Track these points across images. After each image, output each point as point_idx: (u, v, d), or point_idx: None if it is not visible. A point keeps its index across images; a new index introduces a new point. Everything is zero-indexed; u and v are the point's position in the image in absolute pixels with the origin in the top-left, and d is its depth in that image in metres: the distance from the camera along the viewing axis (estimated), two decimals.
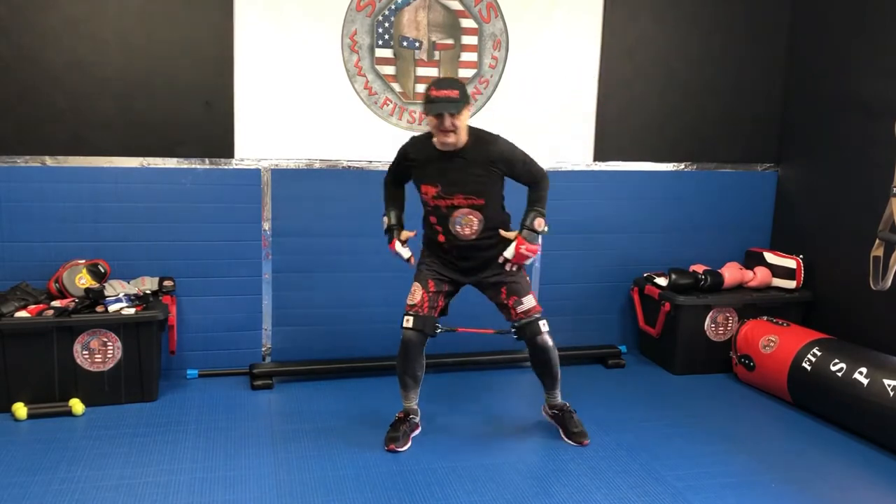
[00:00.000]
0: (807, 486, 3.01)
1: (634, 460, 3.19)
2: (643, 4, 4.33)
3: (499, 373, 4.22)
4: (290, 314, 4.09)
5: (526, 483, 2.98)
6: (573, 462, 3.17)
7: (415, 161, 3.20)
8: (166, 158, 3.84)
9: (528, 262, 3.26)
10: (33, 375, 3.46)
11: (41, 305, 3.50)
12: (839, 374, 3.50)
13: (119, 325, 3.53)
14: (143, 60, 3.75)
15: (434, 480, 2.97)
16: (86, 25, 3.66)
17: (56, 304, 3.52)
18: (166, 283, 3.82)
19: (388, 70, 4.05)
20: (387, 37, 4.01)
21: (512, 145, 3.19)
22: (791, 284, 4.37)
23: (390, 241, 3.34)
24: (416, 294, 3.24)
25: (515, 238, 3.20)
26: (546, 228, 3.24)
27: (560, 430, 3.40)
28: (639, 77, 4.40)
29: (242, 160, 3.92)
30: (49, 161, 3.71)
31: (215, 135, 3.88)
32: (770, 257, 4.50)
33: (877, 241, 3.45)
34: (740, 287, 4.42)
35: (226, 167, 3.91)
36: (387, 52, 4.03)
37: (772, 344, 3.92)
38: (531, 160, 3.22)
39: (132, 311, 3.54)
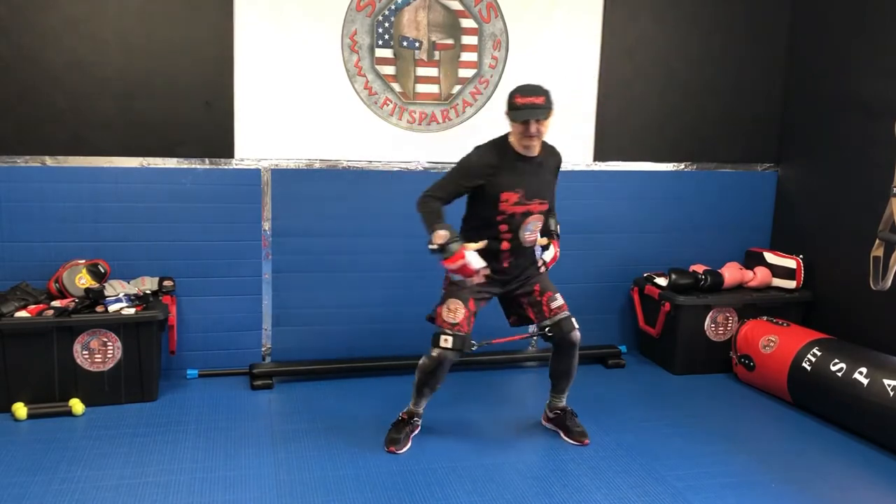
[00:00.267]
0: (807, 486, 3.01)
1: (634, 460, 3.20)
2: (643, 4, 4.33)
3: (499, 373, 4.23)
4: (290, 314, 4.09)
5: (526, 483, 2.98)
6: (573, 462, 3.17)
7: (497, 169, 3.09)
8: (166, 158, 3.84)
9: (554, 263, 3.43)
10: (33, 375, 3.46)
11: (41, 305, 3.50)
12: (839, 374, 3.50)
13: (119, 325, 3.53)
14: (143, 60, 3.75)
15: (434, 480, 2.97)
16: (86, 25, 3.66)
17: (56, 304, 3.52)
18: (166, 283, 3.82)
19: (388, 70, 4.05)
20: (387, 37, 4.01)
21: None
22: (791, 284, 4.37)
23: (452, 255, 3.00)
24: (459, 313, 3.15)
25: (551, 243, 3.37)
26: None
27: (560, 432, 3.40)
28: (639, 77, 4.40)
29: (242, 160, 3.92)
30: (49, 161, 3.71)
31: (215, 135, 3.88)
32: (770, 257, 4.50)
33: (877, 241, 3.45)
34: (740, 287, 4.42)
35: (226, 167, 3.91)
36: (387, 52, 4.03)
37: (772, 344, 3.92)
38: None
39: (132, 311, 3.54)
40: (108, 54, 3.71)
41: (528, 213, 3.16)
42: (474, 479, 2.99)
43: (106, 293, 3.60)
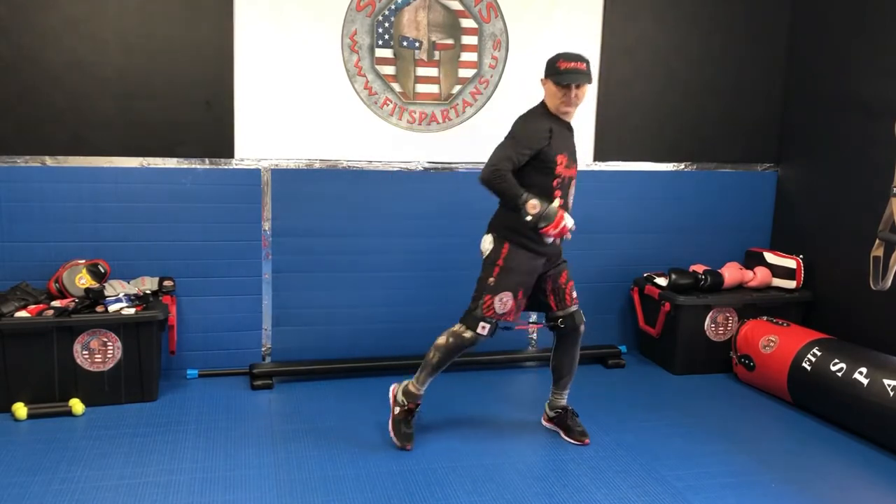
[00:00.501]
0: (807, 486, 3.01)
1: (634, 460, 3.19)
2: (643, 4, 4.33)
3: (499, 373, 4.22)
4: (290, 314, 4.09)
5: (526, 483, 2.98)
6: (573, 462, 3.17)
7: (553, 132, 3.10)
8: (166, 158, 3.84)
9: None
10: (33, 375, 3.46)
11: (41, 305, 3.50)
12: (839, 374, 3.50)
13: (119, 325, 3.53)
14: (143, 60, 3.75)
15: (434, 480, 2.97)
16: (86, 25, 3.66)
17: (56, 304, 3.52)
18: (166, 283, 3.82)
19: (388, 70, 4.05)
20: (387, 37, 4.01)
21: None
22: (791, 284, 4.37)
23: (554, 219, 3.01)
24: (508, 303, 3.14)
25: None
26: None
27: (561, 431, 3.41)
28: (639, 77, 4.40)
29: (242, 160, 3.92)
30: (49, 161, 3.71)
31: (215, 135, 3.88)
32: (770, 257, 4.50)
33: (877, 241, 3.44)
34: (740, 287, 4.42)
35: (226, 167, 3.91)
36: (387, 52, 4.03)
37: (772, 344, 3.92)
38: None
39: (132, 311, 3.54)
40: (108, 54, 3.71)
41: (571, 178, 3.21)
42: (474, 479, 2.99)
43: (106, 293, 3.60)
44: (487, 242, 3.21)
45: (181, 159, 3.85)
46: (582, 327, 3.34)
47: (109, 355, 3.55)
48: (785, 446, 3.41)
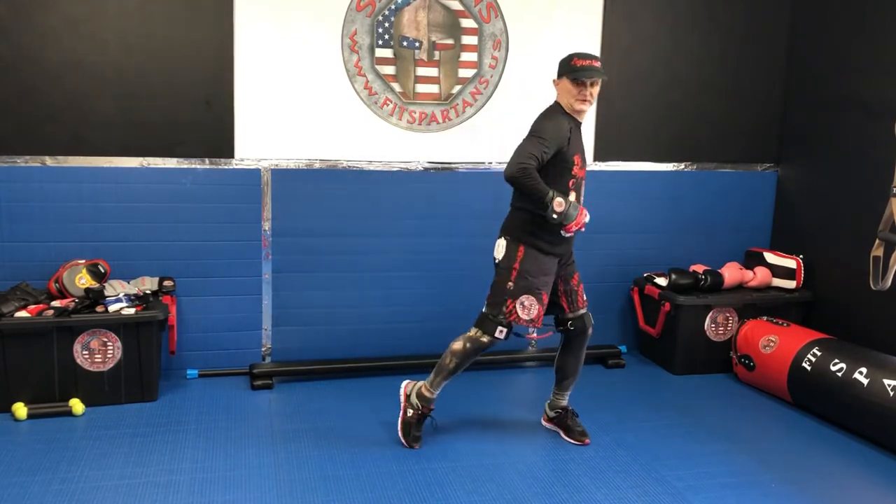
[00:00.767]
0: (807, 486, 3.01)
1: (634, 460, 3.19)
2: (643, 4, 4.33)
3: (499, 373, 4.22)
4: (290, 314, 4.09)
5: (526, 483, 2.98)
6: (573, 462, 3.17)
7: (572, 132, 3.12)
8: (166, 158, 3.84)
9: None
10: (33, 375, 3.46)
11: (41, 305, 3.50)
12: (839, 374, 3.50)
13: (119, 325, 3.53)
14: (143, 60, 3.75)
15: (434, 480, 2.97)
16: (86, 25, 3.66)
17: (56, 304, 3.52)
18: (166, 283, 3.82)
19: (388, 70, 4.05)
20: (387, 37, 4.01)
21: None
22: (791, 284, 4.37)
23: (576, 216, 3.03)
24: (533, 309, 3.12)
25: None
26: None
27: (561, 431, 3.41)
28: (639, 77, 4.40)
29: (242, 160, 3.92)
30: (49, 161, 3.71)
31: (215, 135, 3.88)
32: (770, 257, 4.50)
33: (877, 241, 3.45)
34: (740, 287, 4.42)
35: (226, 167, 3.91)
36: (387, 52, 4.03)
37: (772, 344, 3.92)
38: None
39: (132, 311, 3.54)
40: (108, 54, 3.71)
41: (583, 179, 3.22)
42: (474, 479, 2.99)
43: (106, 293, 3.60)
44: (501, 247, 3.17)
45: (181, 159, 3.85)
46: (590, 329, 3.35)
47: (109, 355, 3.55)
48: (785, 446, 3.41)
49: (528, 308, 3.11)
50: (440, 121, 4.15)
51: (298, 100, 3.95)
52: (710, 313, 4.25)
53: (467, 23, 4.10)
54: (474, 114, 4.18)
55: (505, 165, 3.03)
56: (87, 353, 3.52)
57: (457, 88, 4.14)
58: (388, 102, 4.07)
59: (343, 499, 2.81)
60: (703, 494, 2.92)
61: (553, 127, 3.08)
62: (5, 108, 3.63)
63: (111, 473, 2.94)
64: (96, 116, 3.73)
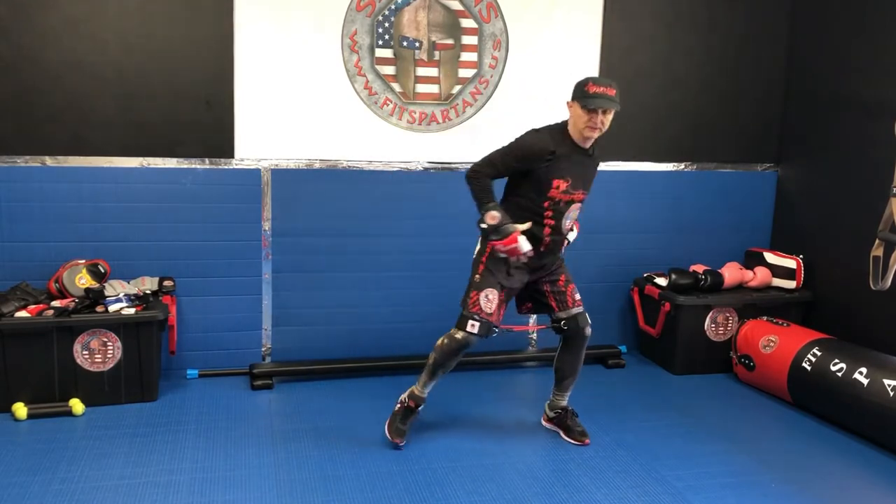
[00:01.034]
0: (807, 486, 3.01)
1: (634, 460, 3.20)
2: (643, 4, 4.33)
3: (499, 373, 4.22)
4: (290, 314, 4.09)
5: (526, 483, 2.98)
6: (573, 462, 3.17)
7: (555, 155, 3.09)
8: (166, 158, 3.84)
9: None
10: (33, 375, 3.46)
11: (41, 305, 3.50)
12: (839, 374, 3.50)
13: (119, 325, 3.53)
14: (143, 60, 3.75)
15: (434, 480, 2.97)
16: (86, 25, 3.66)
17: (56, 304, 3.52)
18: (166, 283, 3.82)
19: (388, 70, 4.05)
20: (387, 37, 4.01)
21: None
22: (791, 284, 4.37)
23: (509, 235, 3.05)
24: (493, 302, 3.16)
25: (574, 224, 3.34)
26: None
27: (560, 431, 3.41)
28: (639, 77, 4.40)
29: (242, 160, 3.92)
30: (49, 161, 3.71)
31: (215, 135, 3.88)
32: (770, 257, 4.50)
33: (877, 241, 3.45)
34: (740, 287, 4.42)
35: (226, 167, 3.91)
36: (387, 52, 4.03)
37: (772, 344, 3.92)
38: None
39: (132, 311, 3.54)
40: (108, 54, 3.71)
41: (571, 202, 3.19)
42: (474, 478, 2.99)
43: (106, 293, 3.60)
44: (478, 243, 3.25)
45: (181, 159, 3.85)
46: (587, 330, 3.32)
47: (109, 355, 3.55)
48: (785, 446, 3.41)
49: (490, 301, 3.16)
50: (440, 121, 4.15)
51: (298, 100, 3.95)
52: (710, 313, 4.25)
53: (467, 23, 4.10)
54: (474, 114, 4.18)
55: None
56: (87, 353, 3.52)
57: (457, 88, 4.14)
58: (388, 102, 4.07)
59: (343, 499, 2.81)
60: (703, 494, 2.92)
61: (529, 145, 3.11)
62: (5, 108, 3.63)
63: (111, 473, 2.94)
64: (96, 116, 3.73)
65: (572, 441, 3.33)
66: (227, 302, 4.00)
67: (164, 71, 3.77)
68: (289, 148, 3.97)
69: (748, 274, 4.45)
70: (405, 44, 4.04)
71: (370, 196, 4.10)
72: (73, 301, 3.53)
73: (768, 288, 4.45)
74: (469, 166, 3.15)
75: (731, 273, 4.39)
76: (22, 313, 3.44)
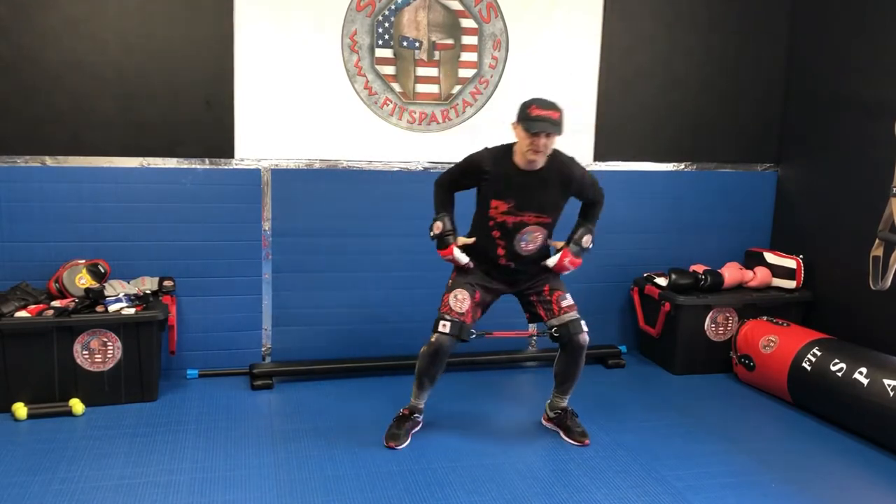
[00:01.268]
0: (807, 486, 3.01)
1: (634, 460, 3.19)
2: (643, 4, 4.33)
3: (499, 373, 4.22)
4: (290, 314, 4.09)
5: (526, 483, 2.98)
6: (573, 462, 3.17)
7: (489, 175, 3.13)
8: (166, 158, 3.84)
9: (569, 270, 3.33)
10: (33, 375, 3.46)
11: (41, 305, 3.50)
12: (839, 374, 3.50)
13: (119, 325, 3.53)
14: (143, 60, 3.75)
15: (434, 480, 2.97)
16: (86, 25, 3.66)
17: (56, 304, 3.52)
18: (166, 283, 3.82)
19: (388, 70, 4.05)
20: (387, 37, 4.01)
21: (584, 169, 3.27)
22: (791, 284, 4.37)
23: (446, 247, 3.22)
24: (465, 302, 3.18)
25: (561, 250, 3.29)
26: (591, 245, 3.34)
27: (560, 432, 3.41)
28: (639, 77, 4.40)
29: (242, 160, 3.92)
30: (49, 161, 3.71)
31: (215, 135, 3.88)
32: (770, 257, 4.50)
33: (877, 241, 3.45)
34: (740, 287, 4.42)
35: (226, 167, 3.91)
36: (387, 52, 4.03)
37: (772, 344, 3.92)
38: (597, 181, 3.31)
39: (132, 311, 3.54)
40: (108, 54, 3.71)
41: (522, 224, 3.15)
42: (474, 478, 2.99)
43: (106, 293, 3.60)
44: None
45: (181, 159, 3.85)
46: (580, 337, 3.24)
47: (109, 355, 3.55)
48: (785, 446, 3.41)
49: (460, 301, 3.19)
50: (440, 121, 4.15)
51: (298, 100, 3.95)
52: (710, 313, 4.25)
53: (467, 23, 4.10)
54: (474, 114, 4.18)
55: None
56: (87, 353, 3.52)
57: (457, 88, 4.14)
58: (388, 102, 4.07)
59: (343, 499, 2.81)
60: (703, 494, 2.92)
61: (469, 161, 3.21)
62: (5, 108, 3.63)
63: (111, 473, 2.94)
64: (96, 116, 3.73)
65: (572, 442, 3.33)
66: (227, 302, 4.00)
67: (164, 71, 3.77)
68: (289, 148, 3.97)
69: (748, 274, 4.45)
70: (405, 44, 4.04)
71: (370, 196, 4.10)
72: (73, 301, 3.53)
73: (768, 288, 4.45)
74: None
75: (731, 273, 4.39)
76: (22, 313, 3.44)
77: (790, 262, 4.38)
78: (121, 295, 3.60)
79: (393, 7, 3.99)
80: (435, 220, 3.24)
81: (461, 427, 3.47)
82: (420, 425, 3.37)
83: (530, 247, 3.22)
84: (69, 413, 3.45)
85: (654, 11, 4.35)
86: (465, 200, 3.29)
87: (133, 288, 3.72)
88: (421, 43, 4.06)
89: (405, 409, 3.33)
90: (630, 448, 3.30)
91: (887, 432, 3.30)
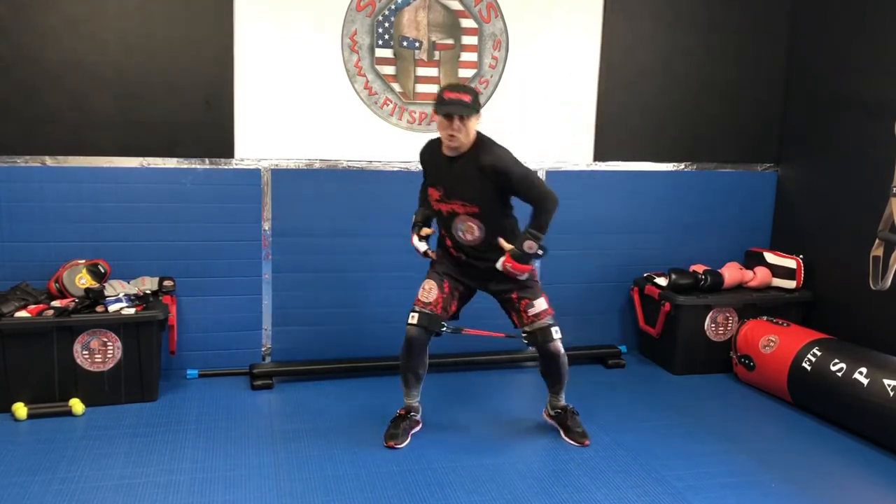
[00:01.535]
0: (807, 486, 3.01)
1: (634, 460, 3.19)
2: (643, 4, 4.33)
3: (499, 373, 4.23)
4: (290, 314, 4.09)
5: (526, 483, 2.98)
6: (573, 462, 3.17)
7: (426, 164, 3.30)
8: (166, 158, 3.84)
9: (521, 277, 3.17)
10: (33, 375, 3.46)
11: (41, 305, 3.50)
12: (839, 374, 3.50)
13: (119, 325, 3.53)
14: (142, 60, 3.75)
15: (434, 480, 2.97)
16: (86, 25, 3.66)
17: (56, 304, 3.52)
18: (166, 283, 3.82)
19: (388, 70, 4.05)
20: (387, 37, 4.01)
21: (512, 159, 3.09)
22: (791, 284, 4.37)
23: (411, 239, 3.39)
24: (432, 293, 3.22)
25: (505, 253, 3.14)
26: (541, 252, 3.13)
27: (560, 431, 3.40)
28: (639, 77, 4.40)
29: (242, 160, 3.92)
30: (49, 161, 3.71)
31: (215, 135, 3.88)
32: (770, 257, 4.50)
33: (877, 241, 3.45)
34: (740, 287, 4.42)
35: (226, 167, 3.91)
36: (387, 52, 4.03)
37: (772, 344, 3.92)
38: (535, 180, 3.12)
39: (132, 311, 3.54)
40: (108, 54, 3.71)
41: (454, 213, 3.17)
42: (474, 478, 2.99)
43: (106, 293, 3.60)
44: None
45: (181, 159, 3.85)
46: (550, 346, 3.22)
47: (109, 355, 3.55)
48: (785, 446, 3.41)
49: (427, 291, 3.24)
50: None
51: (298, 100, 3.95)
52: (710, 313, 4.25)
53: (467, 23, 4.10)
54: None
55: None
56: (87, 353, 3.52)
57: None
58: (388, 102, 4.07)
59: (343, 499, 2.81)
60: (703, 494, 2.92)
61: (420, 154, 3.35)
62: (5, 108, 3.63)
63: (111, 473, 2.94)
64: (96, 116, 3.73)
65: (571, 441, 3.33)
66: (227, 302, 4.00)
67: (164, 71, 3.77)
68: (289, 148, 3.97)
69: (748, 274, 4.45)
70: (405, 44, 4.04)
71: (370, 196, 4.10)
72: (73, 301, 3.53)
73: (768, 288, 4.45)
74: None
75: (731, 273, 4.39)
76: (22, 313, 3.44)
77: (790, 262, 4.38)
78: (121, 295, 3.60)
79: (393, 7, 3.99)
80: (416, 211, 3.43)
81: (461, 427, 3.47)
82: (420, 425, 3.38)
83: (468, 237, 3.18)
84: (69, 413, 3.45)
85: (654, 11, 4.35)
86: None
87: (133, 288, 3.72)
88: (421, 43, 4.06)
89: (401, 410, 3.35)
90: (630, 448, 3.30)
91: (887, 432, 3.30)
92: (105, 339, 3.54)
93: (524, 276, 3.17)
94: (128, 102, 3.75)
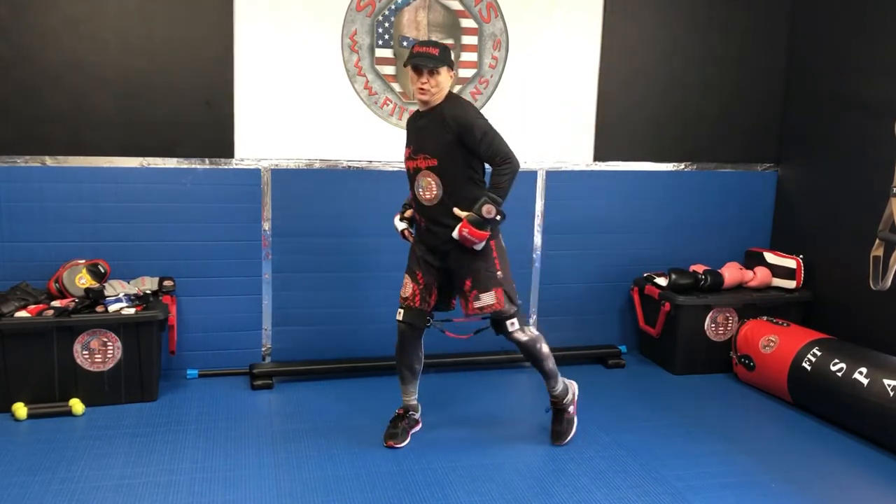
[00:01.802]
0: (807, 486, 3.01)
1: (634, 460, 3.19)
2: (643, 4, 4.33)
3: (499, 373, 4.22)
4: (290, 314, 4.09)
5: (526, 483, 2.98)
6: (573, 462, 3.17)
7: (407, 128, 3.28)
8: (166, 158, 3.84)
9: (477, 246, 3.05)
10: (33, 375, 3.46)
11: (41, 305, 3.50)
12: (839, 374, 3.50)
13: (119, 325, 3.53)
14: (142, 60, 3.75)
15: (434, 480, 2.97)
16: (86, 25, 3.66)
17: (56, 304, 3.52)
18: (166, 283, 3.82)
19: (388, 70, 4.05)
20: (387, 37, 4.01)
21: (476, 112, 3.10)
22: (791, 284, 4.37)
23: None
24: (407, 287, 3.24)
25: (462, 220, 3.02)
26: (499, 217, 3.01)
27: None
28: (639, 77, 4.40)
29: (242, 160, 3.92)
30: (49, 161, 3.71)
31: (215, 135, 3.88)
32: (770, 257, 4.50)
33: (877, 241, 3.45)
34: (740, 287, 4.42)
35: (226, 167, 3.91)
36: (387, 52, 4.03)
37: (772, 344, 3.92)
38: (495, 138, 3.01)
39: (132, 311, 3.54)
40: (108, 54, 3.71)
41: (418, 170, 3.14)
42: (474, 478, 2.99)
43: (106, 293, 3.60)
44: None
45: (181, 159, 3.85)
46: (511, 337, 3.18)
47: (109, 355, 3.55)
48: (785, 446, 3.41)
49: (404, 287, 3.25)
50: None
51: (298, 100, 3.95)
52: (710, 313, 4.25)
53: (467, 23, 4.10)
54: None
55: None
56: (87, 353, 3.52)
57: (457, 88, 4.14)
58: (388, 102, 4.07)
59: (343, 499, 2.81)
60: (703, 494, 2.92)
61: (408, 120, 3.29)
62: (5, 108, 3.63)
63: (111, 473, 2.94)
64: (96, 116, 3.73)
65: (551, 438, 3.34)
66: (227, 302, 4.00)
67: (164, 71, 3.78)
68: (289, 148, 3.97)
69: (748, 274, 4.45)
70: (405, 44, 4.04)
71: (370, 196, 4.09)
72: (73, 301, 3.53)
73: (768, 288, 4.45)
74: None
75: (731, 273, 4.39)
76: (22, 313, 3.44)
77: (790, 262, 4.38)
78: (121, 295, 3.60)
79: (393, 7, 3.99)
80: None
81: (461, 427, 3.47)
82: (419, 425, 3.38)
83: (427, 195, 3.11)
84: (69, 413, 3.45)
85: (654, 11, 4.35)
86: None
87: (133, 288, 3.72)
88: None
89: (400, 409, 3.36)
90: (630, 448, 3.30)
91: (887, 432, 3.30)
92: (105, 339, 3.54)
93: (480, 246, 3.05)
94: (128, 102, 3.75)
